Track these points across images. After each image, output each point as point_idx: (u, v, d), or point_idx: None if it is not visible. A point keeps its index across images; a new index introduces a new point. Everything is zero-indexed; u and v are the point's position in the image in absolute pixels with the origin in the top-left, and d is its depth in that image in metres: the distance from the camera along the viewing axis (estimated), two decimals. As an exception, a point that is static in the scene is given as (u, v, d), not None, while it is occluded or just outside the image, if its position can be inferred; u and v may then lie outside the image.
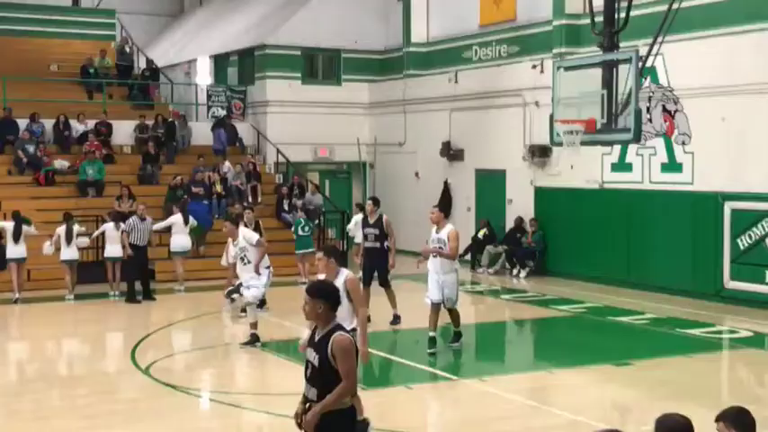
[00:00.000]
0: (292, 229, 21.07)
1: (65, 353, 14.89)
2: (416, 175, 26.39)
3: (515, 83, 22.64)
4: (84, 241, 19.17)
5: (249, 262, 13.74)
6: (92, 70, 27.39)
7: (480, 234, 23.08)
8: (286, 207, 23.24)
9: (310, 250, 20.64)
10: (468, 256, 22.77)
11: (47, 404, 11.11)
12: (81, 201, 21.82)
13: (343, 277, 8.49)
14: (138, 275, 18.44)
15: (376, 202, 15.96)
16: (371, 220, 15.55)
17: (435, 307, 13.23)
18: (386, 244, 15.36)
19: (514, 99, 22.62)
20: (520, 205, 22.41)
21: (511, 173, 23.01)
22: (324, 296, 5.99)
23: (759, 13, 17.41)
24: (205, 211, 22.01)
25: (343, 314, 8.12)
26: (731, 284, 17.47)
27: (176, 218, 19.63)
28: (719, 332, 15.30)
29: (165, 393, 11.30)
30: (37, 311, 17.34)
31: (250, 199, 23.21)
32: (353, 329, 8.48)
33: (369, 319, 14.76)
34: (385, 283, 15.42)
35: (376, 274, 15.41)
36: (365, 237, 15.71)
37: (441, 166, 25.21)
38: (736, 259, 17.35)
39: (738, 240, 17.29)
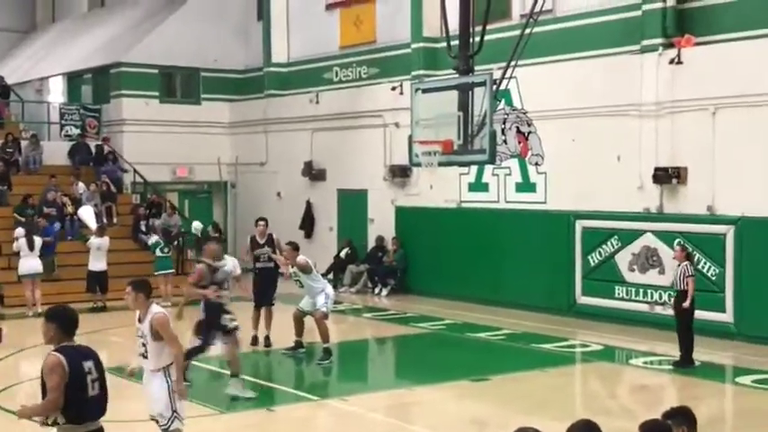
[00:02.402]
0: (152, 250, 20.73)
1: None
2: (278, 194, 26.26)
3: (376, 104, 22.87)
4: None
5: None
6: (-63, 87, 26.19)
7: (342, 253, 23.15)
8: (143, 228, 22.74)
9: (170, 271, 20.48)
10: (330, 276, 22.78)
11: None
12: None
13: (150, 315, 7.85)
14: None
15: (266, 221, 15.76)
16: (262, 240, 15.31)
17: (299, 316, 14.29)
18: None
19: (375, 120, 22.85)
20: (381, 224, 22.61)
21: (372, 192, 23.19)
22: (53, 318, 6.29)
23: (608, 39, 18.16)
24: (54, 233, 21.22)
25: (151, 353, 7.87)
26: (582, 299, 18.07)
27: (21, 241, 18.96)
28: (572, 346, 15.77)
29: (13, 422, 10.82)
30: None
31: (105, 219, 22.59)
32: (163, 368, 7.96)
33: (268, 342, 14.76)
34: (271, 304, 15.24)
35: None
36: (257, 258, 15.33)
37: (303, 185, 25.18)
38: (587, 275, 17.97)
39: (589, 257, 17.91)
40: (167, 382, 7.90)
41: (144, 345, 7.90)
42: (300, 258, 14.08)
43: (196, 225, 22.35)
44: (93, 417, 6.19)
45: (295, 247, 14.21)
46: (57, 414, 6.04)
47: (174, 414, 7.97)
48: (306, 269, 13.97)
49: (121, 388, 13.05)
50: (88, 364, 6.16)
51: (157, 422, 8.05)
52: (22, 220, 21.01)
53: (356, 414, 11.23)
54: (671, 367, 13.66)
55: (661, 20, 17.19)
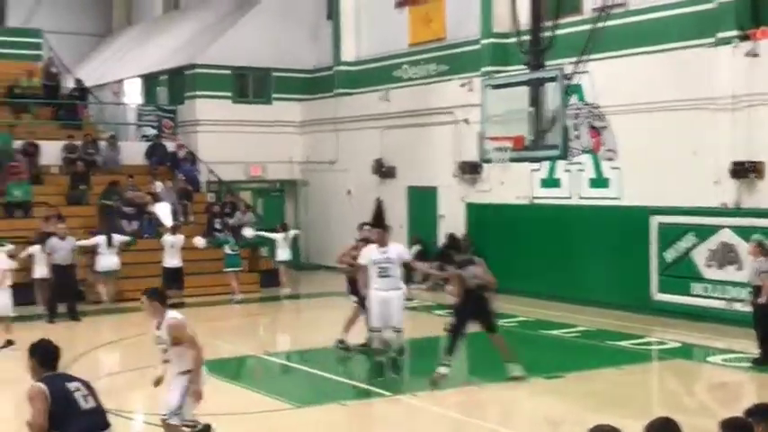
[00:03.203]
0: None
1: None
2: (349, 192, 26.42)
3: (445, 101, 22.85)
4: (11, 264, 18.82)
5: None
6: (18, 90, 26.88)
7: (413, 251, 23.15)
8: (218, 226, 23.09)
9: (239, 269, 20.93)
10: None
11: None
12: (7, 222, 21.36)
13: (166, 321, 8.04)
14: (63, 296, 18.20)
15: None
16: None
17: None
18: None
19: (445, 117, 22.83)
20: (451, 221, 22.57)
21: (442, 189, 23.18)
22: (33, 353, 6.52)
23: (682, 32, 17.86)
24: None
25: (173, 357, 8.04)
26: (658, 296, 17.80)
27: (100, 238, 19.44)
28: (648, 344, 15.56)
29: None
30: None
31: (181, 217, 23.02)
32: (188, 371, 8.13)
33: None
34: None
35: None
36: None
37: (373, 183, 25.29)
38: (663, 272, 17.70)
39: (665, 253, 17.64)
40: (186, 383, 8.11)
41: (165, 350, 8.15)
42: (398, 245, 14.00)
43: (247, 233, 22.54)
44: (96, 428, 6.35)
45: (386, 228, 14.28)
46: None
47: (178, 410, 8.12)
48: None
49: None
50: (74, 384, 6.36)
51: (162, 416, 8.25)
52: (109, 203, 22.05)
53: (427, 410, 11.25)
54: (750, 365, 13.39)
55: (735, 12, 16.85)
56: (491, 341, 12.41)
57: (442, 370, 12.06)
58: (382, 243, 12.55)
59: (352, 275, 13.99)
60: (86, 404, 6.28)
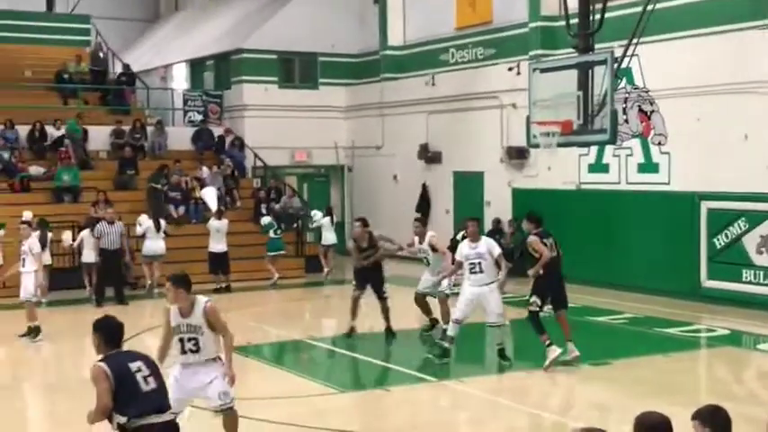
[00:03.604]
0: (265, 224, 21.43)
1: (38, 358, 14.73)
2: (395, 178, 26.37)
3: (492, 85, 22.68)
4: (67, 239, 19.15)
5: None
6: (66, 76, 27.20)
7: (459, 236, 23.00)
8: (264, 211, 23.19)
9: (281, 252, 21.12)
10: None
11: (23, 412, 11.00)
12: (56, 207, 21.65)
13: (201, 306, 7.82)
14: (111, 280, 18.42)
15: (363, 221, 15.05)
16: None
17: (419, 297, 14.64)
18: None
19: (491, 101, 22.66)
20: (498, 207, 22.44)
21: (489, 175, 23.05)
22: (97, 329, 6.49)
23: (733, 14, 17.52)
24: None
25: (206, 343, 7.86)
26: (708, 283, 17.55)
27: (149, 223, 19.62)
28: (697, 331, 15.37)
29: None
30: (8, 318, 17.14)
31: (228, 202, 23.19)
32: (218, 357, 8.03)
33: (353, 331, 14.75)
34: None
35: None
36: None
37: (419, 168, 25.21)
38: (712, 258, 17.44)
39: (715, 240, 17.37)
40: (222, 366, 7.98)
41: (192, 338, 7.85)
42: (431, 235, 14.53)
43: (316, 216, 22.71)
44: (155, 410, 6.24)
45: (424, 224, 14.81)
46: (103, 417, 6.18)
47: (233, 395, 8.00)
48: (438, 246, 14.38)
49: (245, 366, 13.40)
50: (136, 364, 6.29)
51: (220, 406, 8.06)
52: (157, 186, 22.36)
53: (474, 396, 11.20)
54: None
55: (791, -8, 16.49)
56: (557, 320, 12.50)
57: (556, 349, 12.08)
58: (474, 238, 12.52)
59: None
60: (146, 386, 6.22)
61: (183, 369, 8.01)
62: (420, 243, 14.54)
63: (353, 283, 14.82)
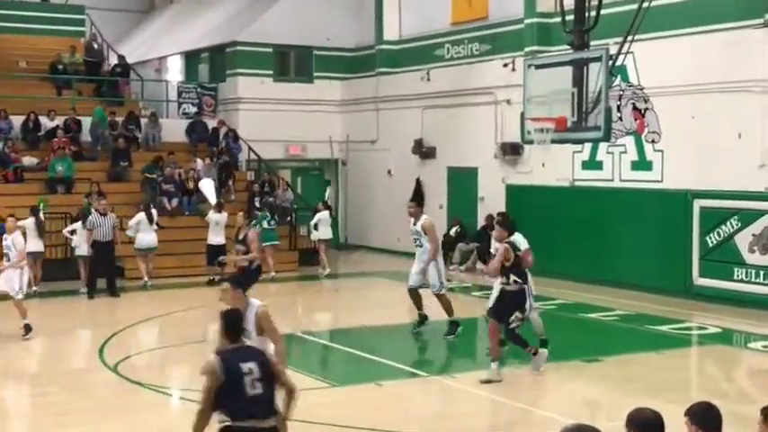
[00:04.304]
0: (255, 222, 21.31)
1: (30, 350, 14.71)
2: (389, 172, 26.38)
3: (487, 81, 22.68)
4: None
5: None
6: (61, 66, 27.13)
7: (452, 231, 23.12)
8: (257, 204, 23.18)
9: (276, 243, 21.15)
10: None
11: (14, 402, 11.00)
12: (50, 197, 21.60)
13: (254, 310, 7.77)
14: (102, 272, 18.40)
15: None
16: None
17: (412, 291, 14.45)
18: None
19: (486, 97, 22.67)
20: (491, 203, 22.44)
21: (482, 170, 23.06)
22: (222, 318, 6.53)
23: (728, 12, 17.55)
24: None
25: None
26: (700, 281, 17.59)
27: (140, 216, 19.60)
28: (688, 328, 15.41)
29: (133, 391, 11.22)
30: None
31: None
32: None
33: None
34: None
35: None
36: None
37: (413, 163, 25.22)
38: (704, 256, 17.48)
39: (707, 238, 17.41)
40: None
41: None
42: (425, 218, 14.35)
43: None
44: (256, 415, 6.17)
45: (419, 204, 14.69)
46: (208, 413, 6.20)
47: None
48: (429, 229, 14.17)
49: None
50: (248, 366, 6.19)
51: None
52: (152, 176, 22.44)
53: (464, 391, 11.23)
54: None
55: (787, -8, 16.52)
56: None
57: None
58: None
59: None
60: (252, 390, 6.15)
61: None
62: (414, 225, 14.34)
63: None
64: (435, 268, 14.18)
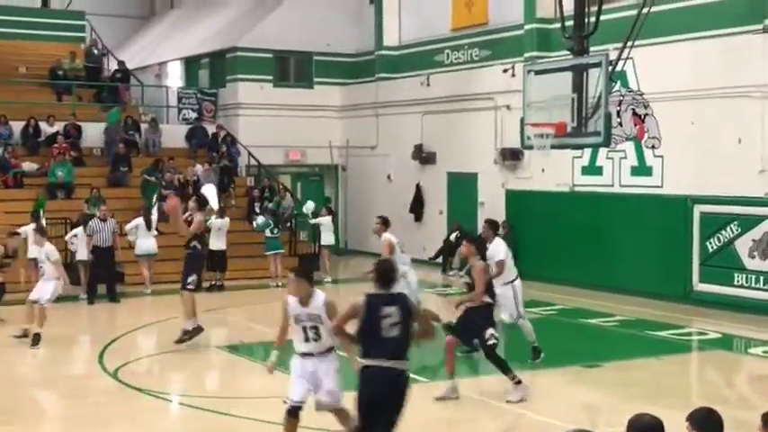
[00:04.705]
0: (258, 229, 21.33)
1: (31, 356, 14.69)
2: (389, 177, 26.39)
3: (487, 86, 22.70)
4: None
5: None
6: (61, 72, 27.14)
7: (452, 237, 23.10)
8: (257, 210, 23.17)
9: (281, 251, 21.03)
10: (439, 259, 22.83)
11: (14, 408, 10.98)
12: (50, 203, 21.60)
13: (321, 297, 8.13)
14: (102, 277, 18.39)
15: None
16: None
17: None
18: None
19: (486, 102, 22.69)
20: (491, 208, 22.44)
21: (482, 176, 23.07)
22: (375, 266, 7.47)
23: (727, 18, 17.57)
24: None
25: (325, 334, 8.09)
26: (700, 287, 17.59)
27: (139, 221, 19.58)
28: (688, 334, 15.40)
29: (133, 397, 11.21)
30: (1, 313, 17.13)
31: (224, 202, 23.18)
32: (332, 348, 8.25)
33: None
34: None
35: None
36: None
37: (413, 168, 25.23)
38: (704, 262, 17.48)
39: (707, 243, 17.41)
40: (337, 360, 8.20)
41: (313, 327, 8.09)
42: (385, 236, 14.01)
43: (309, 206, 22.60)
44: (385, 356, 6.92)
45: (383, 221, 14.23)
46: (335, 335, 7.55)
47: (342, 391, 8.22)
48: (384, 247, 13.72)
49: (236, 365, 13.39)
50: (389, 309, 6.96)
51: (324, 404, 8.26)
52: (151, 179, 22.54)
53: (464, 396, 11.20)
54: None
55: (786, -3, 16.54)
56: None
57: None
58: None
59: None
60: (388, 333, 6.92)
61: (303, 359, 8.22)
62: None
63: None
64: (405, 283, 12.92)
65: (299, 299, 8.13)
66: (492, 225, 13.23)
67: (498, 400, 11.00)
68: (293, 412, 8.17)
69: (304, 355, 8.18)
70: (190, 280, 13.67)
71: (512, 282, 12.67)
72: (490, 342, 10.73)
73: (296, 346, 8.24)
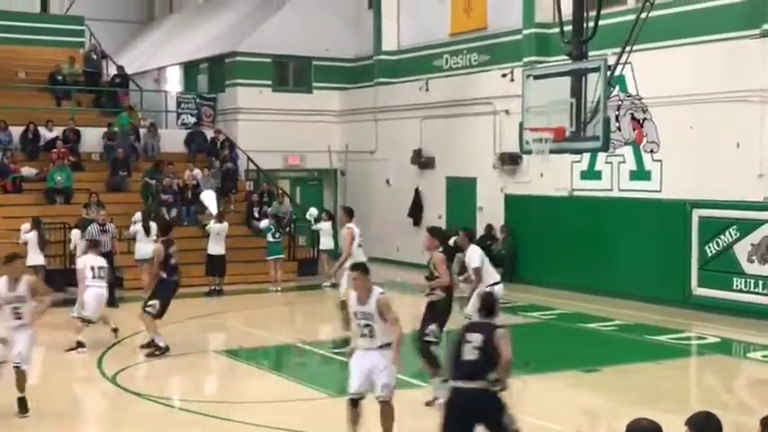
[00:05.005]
0: (259, 234, 21.30)
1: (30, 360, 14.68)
2: (387, 182, 26.39)
3: (486, 91, 22.72)
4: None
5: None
6: (60, 77, 27.15)
7: (451, 242, 23.02)
8: (256, 214, 23.17)
9: (281, 256, 21.01)
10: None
11: (13, 412, 10.96)
12: (49, 208, 21.60)
13: (375, 296, 8.57)
14: None
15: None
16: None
17: None
18: None
19: (485, 107, 22.70)
20: (490, 212, 22.47)
21: (481, 180, 23.08)
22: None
23: (726, 23, 17.60)
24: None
25: (381, 331, 8.50)
26: (699, 291, 17.59)
27: (138, 226, 19.56)
28: (687, 338, 15.40)
29: (132, 402, 11.20)
30: None
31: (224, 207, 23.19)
32: (387, 344, 8.61)
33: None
34: None
35: None
36: None
37: (412, 173, 25.23)
38: (703, 266, 17.48)
39: (706, 247, 17.41)
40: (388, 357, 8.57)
41: (367, 325, 8.53)
42: (348, 226, 14.73)
43: (312, 212, 22.62)
44: (462, 378, 7.39)
45: (346, 212, 15.04)
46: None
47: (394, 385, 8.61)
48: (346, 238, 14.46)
49: (235, 370, 13.39)
50: (473, 336, 7.51)
51: (379, 397, 8.62)
52: (151, 182, 22.53)
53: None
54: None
55: (784, 2, 16.56)
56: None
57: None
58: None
59: None
60: (466, 356, 7.44)
61: (360, 353, 8.70)
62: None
63: None
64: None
65: (357, 297, 8.55)
66: (468, 234, 13.47)
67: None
68: (354, 403, 8.68)
69: (362, 349, 8.69)
70: (150, 303, 13.77)
71: (492, 286, 12.54)
72: (427, 338, 10.72)
73: (356, 341, 8.90)
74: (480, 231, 22.60)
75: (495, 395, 7.40)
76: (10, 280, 10.20)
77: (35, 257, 18.13)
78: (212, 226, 20.22)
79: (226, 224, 20.38)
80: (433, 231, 11.80)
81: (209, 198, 21.29)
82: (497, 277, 13.02)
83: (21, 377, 10.17)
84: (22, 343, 10.09)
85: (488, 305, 8.02)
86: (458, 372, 7.44)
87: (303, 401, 11.13)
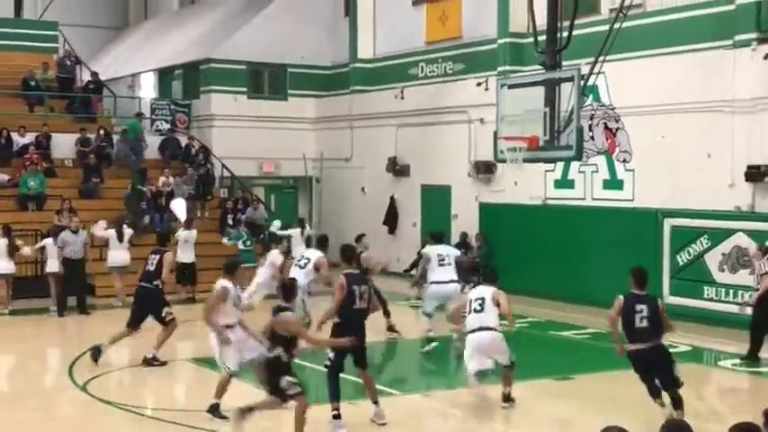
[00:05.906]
0: (230, 243, 21.20)
1: (0, 369, 14.58)
2: (363, 190, 26.40)
3: (461, 100, 22.80)
4: (27, 251, 18.89)
5: None
6: (33, 83, 26.96)
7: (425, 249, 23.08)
8: (230, 222, 23.08)
9: (253, 265, 20.78)
10: (413, 271, 22.76)
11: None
12: (21, 215, 21.43)
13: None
14: (73, 290, 18.25)
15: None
16: None
17: None
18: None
19: (460, 116, 22.78)
20: (465, 220, 22.52)
21: (456, 188, 23.14)
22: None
23: (698, 33, 17.76)
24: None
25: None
26: (670, 299, 17.65)
27: (111, 233, 19.43)
28: (659, 347, 15.45)
29: (103, 410, 11.11)
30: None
31: (198, 213, 23.11)
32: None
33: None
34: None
35: None
36: None
37: (387, 181, 25.26)
38: (675, 275, 17.61)
39: (678, 256, 17.54)
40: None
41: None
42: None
43: (276, 224, 22.37)
44: (640, 340, 10.25)
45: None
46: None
47: None
48: None
49: (206, 378, 13.31)
50: (640, 307, 10.21)
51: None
52: (143, 189, 22.66)
53: (437, 409, 11.22)
54: (761, 369, 13.29)
55: (755, 14, 16.72)
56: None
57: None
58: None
59: None
60: (640, 323, 10.11)
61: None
62: None
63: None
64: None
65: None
66: (430, 235, 15.50)
67: (472, 414, 11.00)
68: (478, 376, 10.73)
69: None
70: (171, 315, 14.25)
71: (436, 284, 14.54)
72: (327, 363, 10.42)
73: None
74: (455, 239, 22.64)
75: None
76: None
77: (4, 265, 18.01)
78: (180, 233, 20.11)
79: (194, 231, 20.27)
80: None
81: (179, 206, 21.16)
82: (445, 277, 14.65)
83: None
84: None
85: (639, 277, 10.61)
86: (637, 337, 10.24)
87: (278, 411, 11.07)
